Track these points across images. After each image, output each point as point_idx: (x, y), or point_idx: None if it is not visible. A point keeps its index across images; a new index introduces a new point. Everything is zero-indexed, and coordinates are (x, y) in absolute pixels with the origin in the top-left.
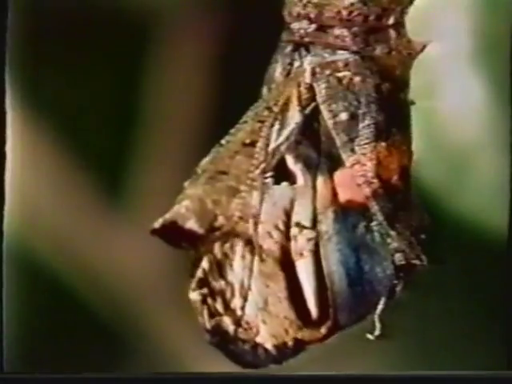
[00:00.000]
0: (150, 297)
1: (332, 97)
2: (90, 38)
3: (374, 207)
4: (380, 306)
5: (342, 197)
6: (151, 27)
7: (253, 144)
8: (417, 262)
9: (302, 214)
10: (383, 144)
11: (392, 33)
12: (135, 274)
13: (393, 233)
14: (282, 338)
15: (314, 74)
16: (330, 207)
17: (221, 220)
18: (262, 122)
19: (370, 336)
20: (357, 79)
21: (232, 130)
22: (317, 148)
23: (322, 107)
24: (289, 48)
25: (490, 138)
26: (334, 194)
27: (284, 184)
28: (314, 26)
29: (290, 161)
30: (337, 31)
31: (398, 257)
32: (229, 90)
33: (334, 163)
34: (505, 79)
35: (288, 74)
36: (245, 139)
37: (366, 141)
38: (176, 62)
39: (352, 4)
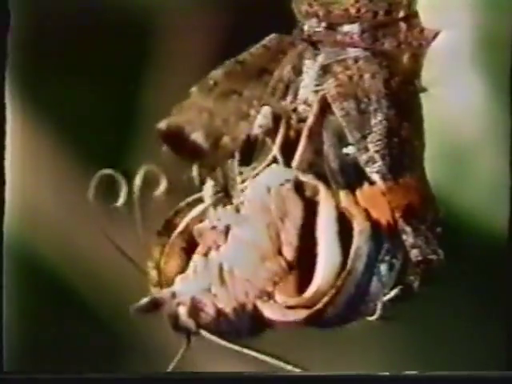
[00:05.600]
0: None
1: (343, 95)
2: (89, 39)
3: (391, 204)
4: (389, 295)
5: (372, 215)
6: (151, 28)
7: (271, 72)
8: (433, 257)
9: (327, 217)
10: (396, 140)
11: (402, 25)
12: (135, 274)
13: (408, 229)
14: (242, 300)
15: (324, 72)
16: (365, 222)
17: (226, 140)
18: (285, 53)
19: (369, 318)
20: (366, 76)
21: (252, 50)
22: (329, 169)
23: (334, 106)
24: (299, 46)
25: (490, 137)
26: (365, 210)
27: (274, 166)
28: (322, 25)
29: (307, 177)
30: (345, 28)
31: (415, 253)
32: None
33: (351, 183)
34: (505, 79)
35: (298, 72)
36: (264, 65)
37: (379, 137)
38: (176, 62)
39: (359, 1)
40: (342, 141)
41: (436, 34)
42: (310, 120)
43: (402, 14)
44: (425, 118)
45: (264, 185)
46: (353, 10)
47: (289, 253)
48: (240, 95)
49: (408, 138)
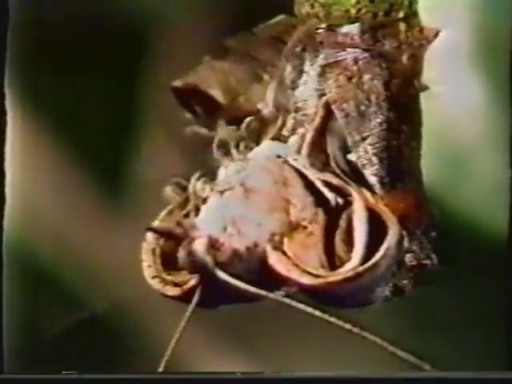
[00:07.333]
0: (150, 296)
1: (342, 96)
2: (89, 39)
3: (388, 208)
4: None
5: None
6: (150, 29)
7: (284, 41)
8: (427, 261)
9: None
10: (395, 143)
11: (402, 26)
12: (135, 274)
13: (404, 233)
14: (255, 241)
15: (323, 73)
16: (397, 225)
17: (242, 99)
18: (296, 27)
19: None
20: (366, 77)
21: (267, 23)
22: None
23: (334, 107)
24: (298, 48)
25: (489, 138)
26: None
27: (269, 142)
28: (322, 25)
29: (327, 177)
30: (345, 29)
31: (409, 257)
32: None
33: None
34: (505, 79)
35: (298, 72)
36: (276, 34)
37: (378, 140)
38: (175, 62)
39: (360, 2)
40: (346, 144)
41: (436, 33)
42: (315, 123)
43: (401, 14)
44: (424, 119)
45: (262, 155)
46: (353, 11)
47: (293, 214)
48: (254, 59)
49: (407, 142)
